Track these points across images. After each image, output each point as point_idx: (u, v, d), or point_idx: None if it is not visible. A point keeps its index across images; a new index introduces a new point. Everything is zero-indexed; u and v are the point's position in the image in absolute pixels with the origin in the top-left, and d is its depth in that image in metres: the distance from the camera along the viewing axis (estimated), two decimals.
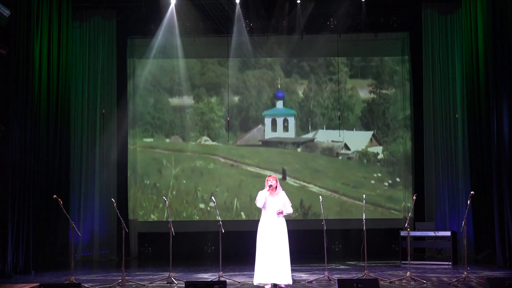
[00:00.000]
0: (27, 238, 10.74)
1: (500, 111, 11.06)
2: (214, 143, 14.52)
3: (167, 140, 14.52)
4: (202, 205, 14.37)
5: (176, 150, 14.46)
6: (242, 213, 14.26)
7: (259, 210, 8.51)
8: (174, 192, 14.29)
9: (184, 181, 14.36)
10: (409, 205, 14.13)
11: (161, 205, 14.19)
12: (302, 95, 14.65)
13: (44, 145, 11.66)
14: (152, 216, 14.40)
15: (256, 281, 8.20)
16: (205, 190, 14.29)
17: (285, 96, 14.67)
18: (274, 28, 14.11)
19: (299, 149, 14.51)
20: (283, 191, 8.45)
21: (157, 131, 14.56)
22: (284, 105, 14.60)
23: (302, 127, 14.55)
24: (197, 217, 14.33)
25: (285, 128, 14.54)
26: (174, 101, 14.64)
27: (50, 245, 11.76)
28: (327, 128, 14.49)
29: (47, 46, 11.83)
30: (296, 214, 13.75)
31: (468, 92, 12.39)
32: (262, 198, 8.32)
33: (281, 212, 8.23)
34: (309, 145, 14.46)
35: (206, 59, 14.74)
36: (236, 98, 14.63)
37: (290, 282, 8.24)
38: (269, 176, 8.45)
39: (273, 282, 8.11)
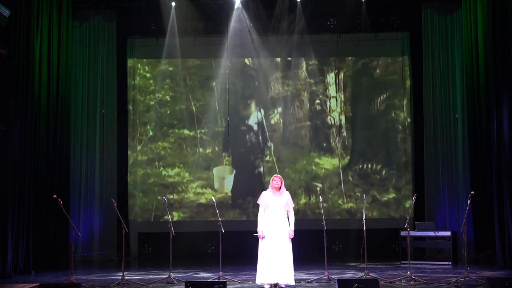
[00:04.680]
0: (27, 238, 10.74)
1: (500, 111, 11.07)
2: (214, 143, 14.48)
3: (167, 140, 14.49)
4: (202, 205, 14.34)
5: (177, 150, 14.43)
6: (242, 213, 14.25)
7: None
8: (174, 192, 14.26)
9: (184, 181, 14.32)
10: (409, 205, 14.15)
11: (161, 205, 14.17)
12: (302, 95, 14.60)
13: (44, 145, 11.66)
14: (152, 216, 14.39)
15: (258, 281, 8.18)
16: (205, 190, 14.25)
17: (285, 96, 14.61)
18: (274, 28, 14.10)
19: (299, 149, 14.45)
20: (287, 191, 8.42)
21: (157, 131, 14.53)
22: (284, 105, 14.56)
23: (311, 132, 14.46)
24: (197, 217, 14.32)
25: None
26: (174, 101, 14.62)
27: (50, 245, 11.74)
28: (326, 128, 14.46)
29: (47, 46, 11.82)
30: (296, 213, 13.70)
31: (468, 92, 12.39)
32: (263, 199, 8.32)
33: (292, 236, 8.21)
34: (310, 144, 14.40)
35: (206, 59, 14.72)
36: (236, 98, 14.59)
37: (293, 283, 8.20)
38: (275, 176, 8.42)
39: (276, 282, 8.10)
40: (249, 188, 13.96)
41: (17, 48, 10.67)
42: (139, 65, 14.60)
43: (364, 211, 9.70)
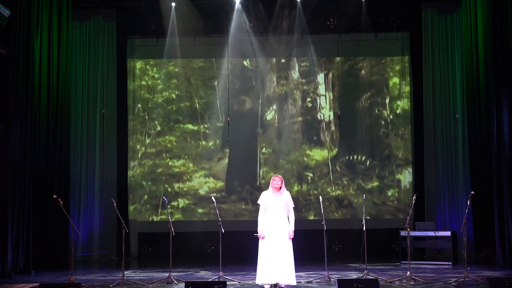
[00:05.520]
0: (27, 238, 10.73)
1: (500, 111, 11.06)
2: (216, 136, 14.55)
3: (174, 134, 14.57)
4: (202, 205, 14.39)
5: (182, 143, 14.57)
6: (241, 200, 14.39)
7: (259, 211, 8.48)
8: (180, 181, 14.44)
9: (189, 171, 14.50)
10: (409, 205, 14.16)
11: (161, 205, 14.21)
12: (302, 95, 14.67)
13: (44, 145, 11.67)
14: (152, 216, 14.42)
15: (258, 281, 8.18)
16: (208, 179, 14.44)
17: (285, 96, 14.69)
18: (274, 28, 14.11)
19: (315, 153, 14.53)
20: (288, 192, 8.44)
21: (164, 126, 14.59)
22: (279, 103, 14.63)
23: (303, 127, 14.58)
24: (197, 217, 14.37)
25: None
26: (179, 99, 14.67)
27: (50, 245, 11.75)
28: (317, 123, 14.57)
29: (47, 46, 11.82)
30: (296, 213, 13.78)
31: (468, 92, 12.38)
32: (264, 199, 8.32)
33: (292, 236, 8.21)
34: (302, 138, 14.53)
35: (207, 59, 14.76)
36: (236, 98, 14.65)
37: (294, 283, 8.20)
38: (275, 176, 8.42)
39: (276, 282, 8.09)
40: (247, 177, 14.44)
41: (17, 48, 10.67)
42: (147, 66, 14.72)
43: (364, 211, 9.71)
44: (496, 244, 10.99)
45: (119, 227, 10.94)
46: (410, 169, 14.23)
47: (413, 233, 11.87)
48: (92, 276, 10.27)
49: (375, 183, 14.31)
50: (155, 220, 14.35)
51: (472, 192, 9.51)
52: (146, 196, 14.35)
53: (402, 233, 11.87)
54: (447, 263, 11.54)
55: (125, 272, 9.59)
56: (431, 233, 11.88)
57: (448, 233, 11.74)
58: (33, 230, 10.93)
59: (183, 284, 8.07)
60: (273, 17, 13.95)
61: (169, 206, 14.04)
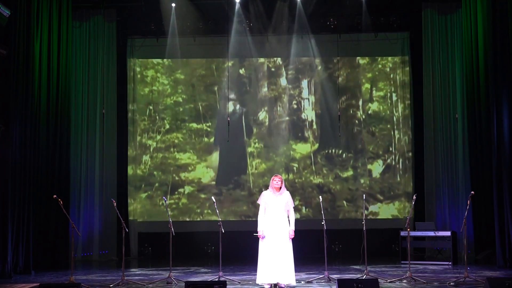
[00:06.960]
0: (27, 238, 10.74)
1: (500, 111, 11.06)
2: (215, 139, 14.72)
3: (180, 131, 14.79)
4: (202, 205, 14.44)
5: (187, 139, 14.81)
6: (237, 188, 14.68)
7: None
8: (185, 171, 14.77)
9: (193, 163, 14.78)
10: (409, 205, 14.18)
11: (176, 181, 14.57)
12: (289, 98, 14.78)
13: (44, 145, 11.67)
14: (152, 216, 14.45)
15: (258, 281, 8.18)
16: (209, 170, 14.73)
17: (285, 96, 14.77)
18: (274, 28, 14.13)
19: (299, 147, 14.64)
20: (287, 191, 8.44)
21: (157, 131, 14.72)
22: (269, 104, 14.82)
23: (290, 125, 14.91)
24: (197, 217, 14.42)
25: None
26: (174, 101, 14.75)
27: (50, 245, 11.75)
28: (301, 122, 14.85)
29: (47, 46, 11.82)
30: (296, 213, 13.85)
31: (468, 92, 12.39)
32: (264, 199, 8.32)
33: (293, 236, 8.23)
34: (288, 135, 14.86)
35: (206, 59, 14.83)
36: (235, 98, 14.73)
37: (294, 283, 8.20)
38: (275, 176, 8.42)
39: (276, 282, 8.09)
40: (243, 168, 14.95)
41: (17, 48, 10.67)
42: (158, 74, 14.97)
43: (364, 211, 9.70)
44: (496, 244, 10.99)
45: (119, 227, 10.94)
46: (380, 161, 14.73)
47: (413, 233, 11.87)
48: (92, 276, 10.27)
49: (350, 173, 14.75)
50: (155, 220, 14.39)
51: (472, 192, 9.50)
52: (157, 184, 14.76)
53: (402, 233, 11.87)
54: (447, 263, 11.54)
55: (125, 272, 9.59)
56: (431, 233, 11.88)
57: (448, 233, 11.74)
58: (33, 230, 10.94)
59: (183, 284, 8.07)
60: (273, 17, 13.97)
61: (176, 192, 14.65)
